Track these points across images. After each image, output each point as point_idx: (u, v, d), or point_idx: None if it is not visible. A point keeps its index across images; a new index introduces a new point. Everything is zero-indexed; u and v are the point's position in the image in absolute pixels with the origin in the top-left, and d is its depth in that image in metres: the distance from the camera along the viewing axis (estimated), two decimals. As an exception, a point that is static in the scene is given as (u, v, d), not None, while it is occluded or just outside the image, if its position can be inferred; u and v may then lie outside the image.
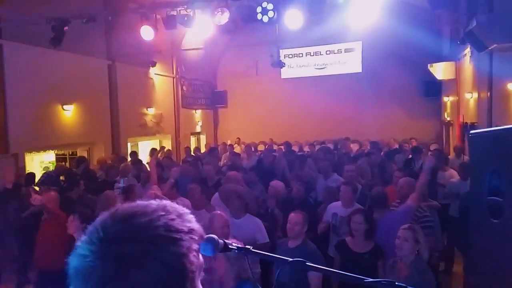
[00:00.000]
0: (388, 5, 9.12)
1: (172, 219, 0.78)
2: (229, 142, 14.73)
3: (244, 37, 14.71)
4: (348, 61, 16.80)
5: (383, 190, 4.90)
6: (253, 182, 6.59)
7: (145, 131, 13.55)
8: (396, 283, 1.23)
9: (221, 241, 1.26)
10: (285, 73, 16.47)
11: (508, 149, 1.60)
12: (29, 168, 9.47)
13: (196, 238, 0.81)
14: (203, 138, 17.58)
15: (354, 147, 12.67)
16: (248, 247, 1.35)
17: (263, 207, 5.69)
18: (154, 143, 13.87)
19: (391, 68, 14.78)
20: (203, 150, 14.17)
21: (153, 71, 13.76)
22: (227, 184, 5.65)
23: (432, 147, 11.62)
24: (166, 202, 0.84)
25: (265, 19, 6.10)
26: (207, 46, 14.97)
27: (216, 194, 5.72)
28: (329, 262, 4.45)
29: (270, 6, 5.99)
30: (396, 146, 12.36)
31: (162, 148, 12.58)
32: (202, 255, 0.86)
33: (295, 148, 12.03)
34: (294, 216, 3.96)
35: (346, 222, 4.23)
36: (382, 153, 9.87)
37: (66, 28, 7.64)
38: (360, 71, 16.33)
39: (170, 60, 14.86)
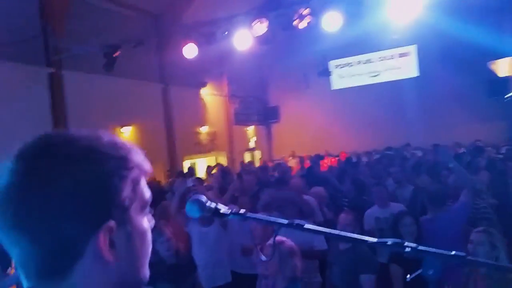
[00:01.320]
0: (438, 1, 8.65)
1: (103, 145, 0.72)
2: (285, 158, 14.66)
3: (292, 52, 14.74)
4: (402, 66, 16.20)
5: (441, 187, 4.58)
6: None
7: (200, 149, 13.89)
8: (406, 243, 1.09)
9: (210, 203, 1.20)
10: (337, 83, 16.23)
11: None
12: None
13: (133, 168, 0.74)
14: (257, 154, 17.66)
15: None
16: (244, 211, 1.28)
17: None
18: (209, 161, 14.16)
19: (448, 69, 13.89)
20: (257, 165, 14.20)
21: (204, 91, 14.17)
22: (280, 191, 5.61)
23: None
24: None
25: (302, 25, 6.06)
26: (256, 63, 15.15)
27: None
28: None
29: (306, 12, 5.95)
30: (462, 150, 11.57)
31: (217, 164, 12.80)
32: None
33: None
34: (344, 217, 3.79)
35: (391, 226, 3.97)
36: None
37: (117, 53, 8.10)
38: (416, 75, 15.65)
39: (221, 79, 15.23)
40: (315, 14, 6.17)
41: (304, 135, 16.54)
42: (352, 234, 1.19)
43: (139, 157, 0.77)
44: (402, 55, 16.19)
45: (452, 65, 13.74)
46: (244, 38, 6.77)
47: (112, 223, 0.69)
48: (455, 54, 13.38)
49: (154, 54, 11.19)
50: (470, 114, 14.15)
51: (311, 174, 7.76)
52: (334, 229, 3.97)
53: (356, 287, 3.54)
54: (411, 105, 14.80)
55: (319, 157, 8.93)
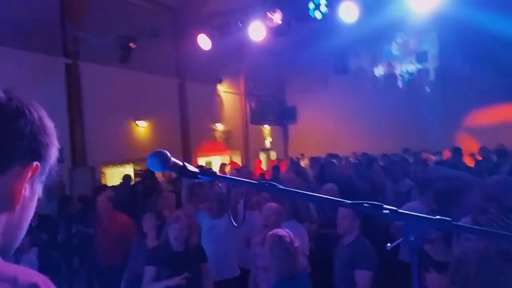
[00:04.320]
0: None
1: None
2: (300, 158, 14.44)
3: (310, 50, 14.56)
4: (422, 62, 15.94)
5: (450, 184, 4.33)
6: (315, 189, 6.30)
7: (215, 147, 13.82)
8: (384, 206, 0.95)
9: (176, 160, 1.09)
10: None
11: None
12: (110, 183, 10.12)
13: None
14: (272, 154, 17.51)
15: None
16: (214, 171, 1.17)
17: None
18: (224, 159, 14.08)
19: (470, 65, 13.25)
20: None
21: (221, 88, 14.11)
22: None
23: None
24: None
25: (318, 15, 5.90)
26: (273, 61, 15.04)
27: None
28: (400, 267, 4.02)
29: (322, 1, 5.79)
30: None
31: (231, 162, 12.72)
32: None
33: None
34: (343, 211, 3.62)
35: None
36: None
37: (132, 45, 8.10)
38: (434, 73, 15.28)
39: (238, 76, 15.16)
40: (331, 6, 6.01)
41: (320, 136, 16.30)
42: (329, 197, 1.07)
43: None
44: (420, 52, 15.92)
45: (474, 61, 13.13)
46: (259, 29, 6.65)
47: (36, 164, 0.75)
48: (480, 50, 12.77)
49: (170, 48, 11.19)
50: (494, 117, 13.60)
51: (324, 173, 7.58)
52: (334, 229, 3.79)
53: (351, 283, 3.36)
54: (430, 106, 14.40)
55: (333, 156, 8.69)
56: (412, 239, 0.89)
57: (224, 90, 14.35)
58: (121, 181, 9.07)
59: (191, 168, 1.07)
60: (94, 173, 9.36)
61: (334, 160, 8.39)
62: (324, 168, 7.74)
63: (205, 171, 1.11)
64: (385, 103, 15.22)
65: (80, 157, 9.09)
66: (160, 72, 11.37)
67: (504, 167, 7.34)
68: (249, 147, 15.42)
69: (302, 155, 14.81)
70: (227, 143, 14.31)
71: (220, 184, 1.20)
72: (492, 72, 12.76)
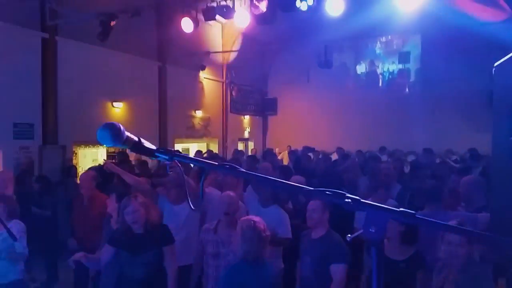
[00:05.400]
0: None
1: None
2: (277, 150, 14.45)
3: (294, 43, 14.54)
4: (403, 63, 16.17)
5: (439, 184, 4.38)
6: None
7: (193, 134, 13.67)
8: (347, 194, 0.91)
9: (130, 135, 1.01)
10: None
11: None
12: (82, 165, 9.89)
13: None
14: (251, 144, 17.47)
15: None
16: (172, 149, 1.11)
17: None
18: (201, 146, 13.96)
19: (454, 70, 13.47)
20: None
21: (202, 74, 13.93)
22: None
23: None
24: None
25: (304, 6, 5.84)
26: (257, 52, 14.95)
27: (249, 187, 5.54)
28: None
29: (307, -9, 5.73)
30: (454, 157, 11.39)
31: (208, 150, 12.60)
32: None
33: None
34: (312, 203, 3.60)
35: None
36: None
37: (113, 23, 7.86)
38: (415, 74, 15.50)
39: (221, 64, 14.99)
40: (317, -1, 5.96)
41: (299, 129, 16.35)
42: (292, 183, 1.02)
43: None
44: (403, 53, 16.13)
45: (455, 64, 13.28)
46: (244, 15, 6.55)
47: None
48: (459, 52, 12.88)
49: (153, 30, 10.94)
50: (468, 122, 13.86)
51: (299, 165, 7.59)
52: (304, 217, 3.77)
53: (326, 276, 3.37)
54: (408, 106, 14.60)
55: (309, 149, 8.73)
56: (373, 230, 0.85)
57: (205, 77, 14.17)
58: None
59: (147, 144, 1.00)
60: (65, 152, 9.11)
61: (310, 154, 8.42)
62: (300, 161, 7.75)
63: (163, 149, 1.04)
64: (365, 101, 15.37)
65: (51, 135, 8.83)
66: (141, 53, 11.11)
67: (476, 169, 7.53)
68: (227, 136, 15.32)
69: (289, 146, 14.82)
70: (205, 131, 14.18)
71: (179, 165, 1.13)
72: (472, 76, 12.96)
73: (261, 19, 6.37)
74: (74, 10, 8.60)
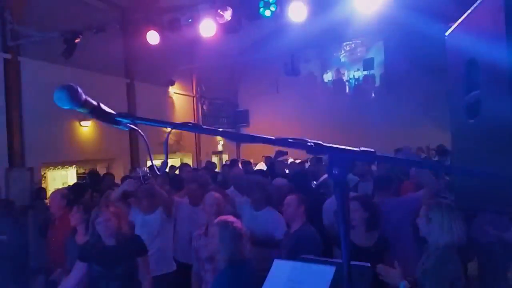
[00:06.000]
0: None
1: None
2: (252, 161, 14.46)
3: (262, 55, 14.73)
4: (368, 69, 16.64)
5: (388, 173, 4.53)
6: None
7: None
8: (308, 140, 0.96)
9: (90, 99, 1.01)
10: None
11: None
12: (51, 188, 9.59)
13: None
14: (225, 157, 17.44)
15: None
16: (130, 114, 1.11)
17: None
18: (175, 162, 13.83)
19: (416, 74, 14.08)
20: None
21: (172, 90, 13.90)
22: (248, 175, 5.50)
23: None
24: None
25: (268, 13, 5.97)
26: (226, 64, 15.07)
27: (231, 188, 5.56)
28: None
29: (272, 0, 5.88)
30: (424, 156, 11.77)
31: (182, 164, 12.50)
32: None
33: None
34: (288, 198, 3.66)
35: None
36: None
37: (77, 40, 7.78)
38: (379, 79, 15.97)
39: (190, 79, 15.01)
40: (280, 4, 6.11)
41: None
42: (262, 136, 1.06)
43: None
44: (366, 58, 16.61)
45: (417, 68, 13.89)
46: (209, 25, 6.63)
47: None
48: (420, 56, 13.48)
49: (119, 46, 10.89)
50: (435, 120, 14.35)
51: (273, 170, 7.66)
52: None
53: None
54: (374, 110, 15.02)
55: (282, 153, 8.82)
56: (336, 172, 0.89)
57: (175, 92, 14.14)
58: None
59: (107, 109, 1.00)
60: (33, 174, 8.85)
61: (281, 158, 8.55)
62: (274, 165, 7.84)
63: (124, 113, 1.05)
64: (333, 108, 15.71)
65: (17, 157, 8.57)
66: (107, 70, 11.01)
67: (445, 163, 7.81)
68: (201, 150, 15.26)
69: (264, 156, 14.79)
70: (178, 146, 14.08)
71: (140, 131, 1.13)
72: (432, 79, 13.49)
73: (226, 28, 6.47)
74: (36, 29, 8.47)
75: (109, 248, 3.23)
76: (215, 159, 16.74)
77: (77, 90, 0.92)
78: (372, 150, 0.91)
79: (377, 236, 3.38)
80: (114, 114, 0.99)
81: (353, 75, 17.12)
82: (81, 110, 0.96)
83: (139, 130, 1.09)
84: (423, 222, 2.77)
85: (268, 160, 9.66)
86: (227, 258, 2.89)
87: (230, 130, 17.49)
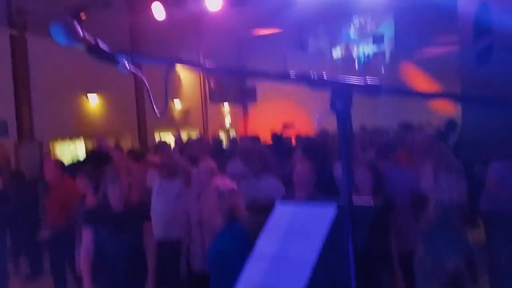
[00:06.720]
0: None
1: None
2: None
3: (271, 28, 14.55)
4: (378, 45, 16.37)
5: (392, 140, 4.51)
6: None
7: (173, 123, 13.58)
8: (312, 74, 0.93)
9: (86, 35, 0.99)
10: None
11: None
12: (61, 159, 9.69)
13: None
14: (232, 132, 17.45)
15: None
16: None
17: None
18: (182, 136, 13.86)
19: (427, 47, 13.72)
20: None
21: (179, 66, 13.81)
22: (248, 144, 5.52)
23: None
24: None
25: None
26: (233, 39, 14.89)
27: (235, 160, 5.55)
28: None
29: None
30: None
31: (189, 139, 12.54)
32: None
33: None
34: (299, 167, 3.65)
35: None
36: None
37: (83, 15, 7.71)
38: (389, 56, 15.72)
39: (197, 55, 14.89)
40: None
41: (281, 116, 16.38)
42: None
43: None
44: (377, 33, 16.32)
45: (427, 43, 13.57)
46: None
47: None
48: (431, 32, 13.20)
49: (124, 20, 10.79)
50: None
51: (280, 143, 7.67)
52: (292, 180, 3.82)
53: None
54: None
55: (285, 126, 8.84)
56: (339, 105, 0.87)
57: (182, 67, 14.05)
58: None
59: (105, 47, 0.97)
60: (42, 148, 8.94)
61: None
62: (280, 139, 7.89)
63: (122, 50, 1.03)
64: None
65: (27, 131, 8.66)
66: (113, 46, 10.90)
67: (453, 137, 7.70)
68: (207, 125, 15.26)
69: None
70: (185, 121, 14.10)
71: (140, 75, 1.11)
72: (443, 55, 13.27)
73: (233, 1, 6.34)
74: (41, 6, 8.40)
75: (116, 213, 3.28)
76: (222, 134, 16.74)
77: (74, 26, 0.89)
78: (375, 82, 0.88)
79: (382, 199, 3.43)
80: (110, 52, 0.96)
81: (363, 51, 16.83)
82: (78, 45, 0.93)
83: (140, 74, 1.06)
84: (430, 181, 2.78)
85: (274, 136, 9.60)
86: (225, 216, 2.89)
87: (237, 105, 17.44)
